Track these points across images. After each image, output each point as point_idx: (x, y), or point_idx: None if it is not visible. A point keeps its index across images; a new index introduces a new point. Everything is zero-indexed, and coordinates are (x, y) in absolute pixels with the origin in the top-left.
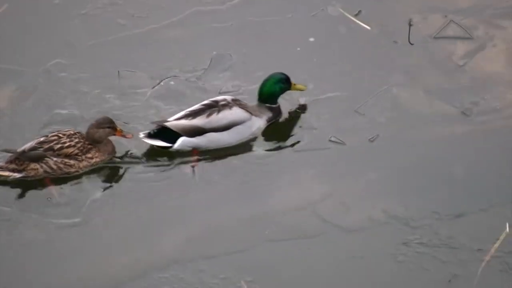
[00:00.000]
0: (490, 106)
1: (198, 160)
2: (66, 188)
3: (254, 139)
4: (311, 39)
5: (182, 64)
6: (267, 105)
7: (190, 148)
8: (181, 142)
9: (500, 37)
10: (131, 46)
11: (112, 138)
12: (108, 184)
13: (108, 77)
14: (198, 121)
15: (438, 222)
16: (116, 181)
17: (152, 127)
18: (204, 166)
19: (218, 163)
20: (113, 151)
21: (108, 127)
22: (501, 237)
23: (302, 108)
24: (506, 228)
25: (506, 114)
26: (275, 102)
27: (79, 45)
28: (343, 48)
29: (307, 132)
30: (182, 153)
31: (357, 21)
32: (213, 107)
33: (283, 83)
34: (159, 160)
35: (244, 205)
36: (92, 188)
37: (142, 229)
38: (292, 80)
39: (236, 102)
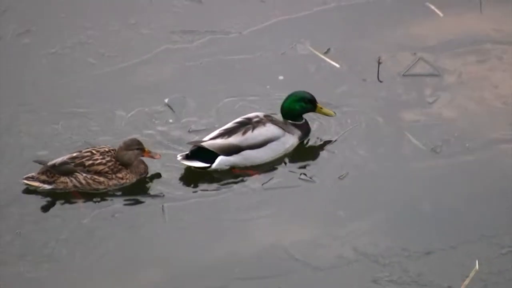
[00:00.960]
0: (460, 144)
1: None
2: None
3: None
4: (281, 77)
5: (152, 102)
6: (291, 121)
7: (228, 167)
8: (219, 161)
9: (468, 74)
10: (101, 85)
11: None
12: (76, 221)
13: (78, 116)
14: (234, 139)
15: (407, 259)
16: (83, 219)
17: (189, 148)
18: (174, 203)
19: (188, 200)
20: (145, 171)
21: (137, 149)
22: (471, 275)
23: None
24: (475, 265)
25: (475, 151)
26: (299, 120)
27: (47, 84)
28: (312, 85)
29: (276, 170)
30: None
31: (327, 59)
32: (246, 124)
33: (305, 102)
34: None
35: (213, 243)
36: (58, 226)
37: (109, 267)
38: (320, 104)
39: (268, 118)
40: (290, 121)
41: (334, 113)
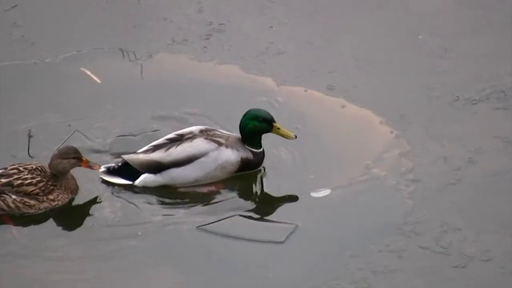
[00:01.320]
0: None
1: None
2: None
3: None
4: None
5: None
6: (247, 146)
7: (157, 185)
8: (143, 179)
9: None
10: None
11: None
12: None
13: None
14: (156, 155)
15: None
16: None
17: (113, 162)
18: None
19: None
20: (76, 189)
21: (74, 158)
22: None
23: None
24: None
25: None
26: (255, 145)
27: None
28: None
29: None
30: None
31: None
32: (176, 141)
33: (259, 121)
34: None
35: None
36: None
37: None
38: (278, 123)
39: (205, 133)
40: (246, 145)
41: (295, 136)
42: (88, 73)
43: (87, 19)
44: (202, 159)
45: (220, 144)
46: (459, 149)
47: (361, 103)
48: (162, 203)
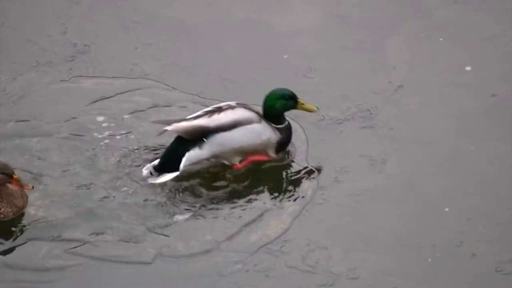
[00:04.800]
0: None
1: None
2: None
3: None
4: None
5: None
6: (273, 124)
7: (199, 165)
8: (187, 158)
9: None
10: None
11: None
12: None
13: None
14: (200, 121)
15: None
16: None
17: (148, 169)
18: None
19: None
20: (24, 206)
21: (1, 173)
22: None
23: None
24: None
25: None
26: (280, 121)
27: None
28: None
29: None
30: None
31: None
32: (215, 112)
33: (286, 99)
34: None
35: None
36: None
37: None
38: (301, 99)
39: (242, 105)
40: (272, 124)
41: (317, 108)
42: None
43: None
44: (248, 126)
45: (261, 116)
46: (325, 169)
47: None
48: (30, 224)
